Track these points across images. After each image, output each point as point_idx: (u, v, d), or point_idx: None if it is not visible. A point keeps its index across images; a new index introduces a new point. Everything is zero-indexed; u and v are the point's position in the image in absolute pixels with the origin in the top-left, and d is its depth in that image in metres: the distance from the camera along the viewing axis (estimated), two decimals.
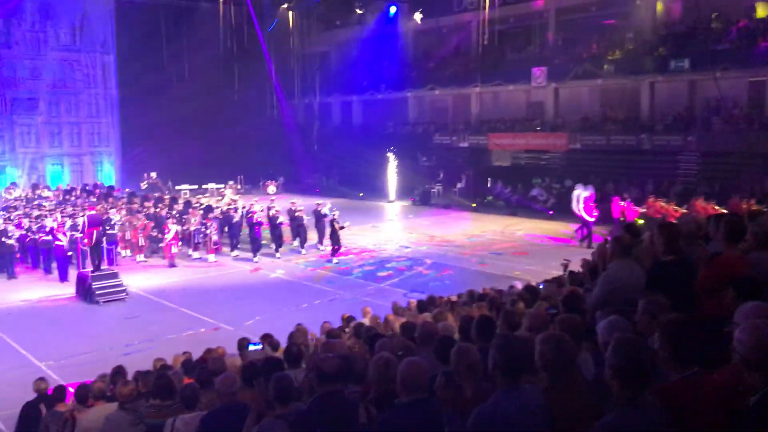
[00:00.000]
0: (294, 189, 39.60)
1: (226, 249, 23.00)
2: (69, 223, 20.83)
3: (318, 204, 23.29)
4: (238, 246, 22.66)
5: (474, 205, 32.99)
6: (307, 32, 45.92)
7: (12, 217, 21.83)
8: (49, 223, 20.50)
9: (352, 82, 42.76)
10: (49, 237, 19.87)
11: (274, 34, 44.36)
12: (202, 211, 23.89)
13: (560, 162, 32.78)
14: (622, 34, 32.23)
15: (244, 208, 23.86)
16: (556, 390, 3.70)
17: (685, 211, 20.12)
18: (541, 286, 11.14)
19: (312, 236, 23.15)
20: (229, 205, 24.91)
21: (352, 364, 5.76)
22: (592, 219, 22.70)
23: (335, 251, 21.33)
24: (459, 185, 36.09)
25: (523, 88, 35.42)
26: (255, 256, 21.64)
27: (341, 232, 21.29)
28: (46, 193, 31.42)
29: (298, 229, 22.81)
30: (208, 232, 22.04)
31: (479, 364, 4.10)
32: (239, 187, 41.70)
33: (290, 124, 44.42)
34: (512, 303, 7.96)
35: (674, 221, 9.49)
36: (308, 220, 23.12)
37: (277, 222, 22.24)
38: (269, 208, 22.53)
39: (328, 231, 21.84)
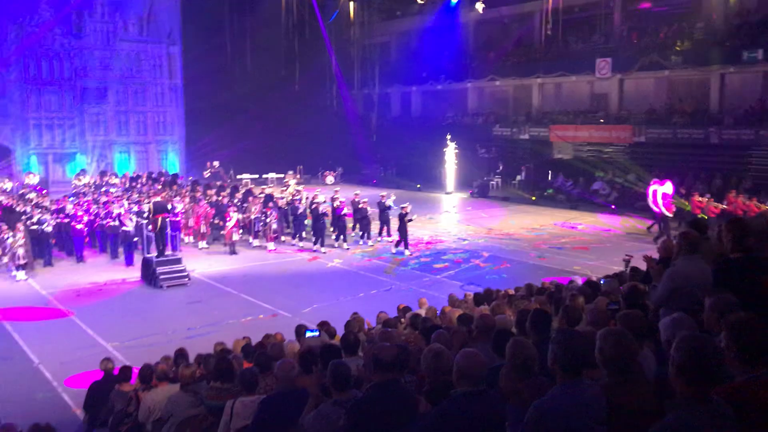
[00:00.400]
0: (352, 179, 39.84)
1: (288, 238, 23.26)
2: (135, 209, 21.49)
3: (382, 195, 23.28)
4: (302, 236, 22.81)
5: (534, 198, 32.57)
6: (368, 23, 45.99)
7: (81, 203, 22.57)
8: (116, 209, 21.15)
9: (412, 73, 42.67)
10: (116, 222, 20.53)
11: (334, 25, 44.60)
12: (262, 200, 24.25)
13: (624, 155, 32.02)
14: (692, 23, 31.19)
15: (307, 198, 24.13)
16: (616, 386, 3.64)
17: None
18: (601, 282, 10.91)
19: (373, 227, 23.18)
20: (294, 195, 25.13)
21: (408, 354, 5.78)
22: (671, 215, 22.03)
23: (401, 243, 21.09)
24: (519, 177, 35.67)
25: (587, 79, 34.73)
26: (319, 245, 21.65)
27: (409, 225, 21.18)
28: (113, 180, 32.40)
29: (362, 221, 22.84)
30: (268, 220, 22.36)
31: (535, 358, 4.06)
32: (298, 177, 42.24)
33: (349, 115, 44.65)
34: (572, 298, 7.82)
35: (743, 217, 9.16)
36: (371, 211, 23.14)
37: (342, 213, 22.26)
38: (333, 199, 22.59)
39: (395, 223, 21.74)
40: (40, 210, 20.85)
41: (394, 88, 45.12)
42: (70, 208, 21.48)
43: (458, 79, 40.43)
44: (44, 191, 27.70)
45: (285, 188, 27.90)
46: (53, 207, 21.92)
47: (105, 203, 22.22)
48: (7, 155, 37.53)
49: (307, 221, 23.10)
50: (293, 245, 22.53)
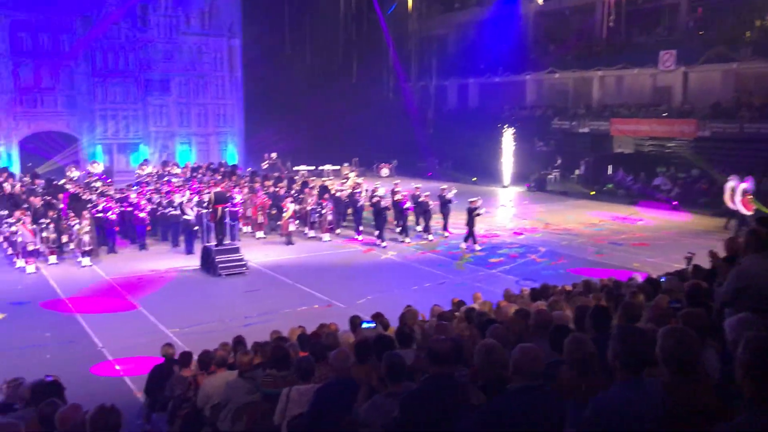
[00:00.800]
0: (407, 172, 39.84)
1: (349, 231, 23.29)
2: (196, 199, 21.97)
3: (443, 189, 23.12)
4: (361, 229, 22.81)
5: (593, 192, 31.96)
6: (426, 15, 45.83)
7: (144, 192, 23.19)
8: (177, 198, 21.67)
9: (470, 65, 42.33)
10: (177, 212, 21.03)
11: (392, 17, 44.59)
12: (318, 192, 24.47)
13: (687, 150, 31.08)
14: (761, 14, 29.98)
15: (367, 191, 24.18)
16: (677, 386, 3.55)
17: None
18: (662, 279, 10.64)
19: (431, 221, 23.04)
20: (354, 188, 25.15)
21: (462, 347, 5.75)
22: (750, 213, 21.26)
23: (471, 237, 20.80)
24: (578, 172, 35.03)
25: (650, 72, 33.80)
26: (380, 239, 21.51)
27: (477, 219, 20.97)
28: (175, 170, 33.16)
29: (424, 215, 22.63)
30: (323, 211, 22.56)
31: (594, 354, 3.99)
32: (353, 169, 42.46)
33: (406, 108, 44.58)
34: (632, 295, 7.65)
35: None
36: (432, 204, 22.95)
37: (405, 206, 22.12)
38: (394, 192, 22.48)
39: (455, 217, 21.43)
40: (104, 198, 21.50)
41: (451, 81, 44.85)
42: (133, 197, 22.09)
43: (517, 72, 39.91)
44: (109, 180, 28.55)
45: (344, 181, 27.88)
46: (117, 196, 22.57)
47: (167, 193, 22.76)
48: (74, 145, 38.87)
49: (366, 213, 23.20)
50: (354, 238, 22.49)
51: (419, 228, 23.01)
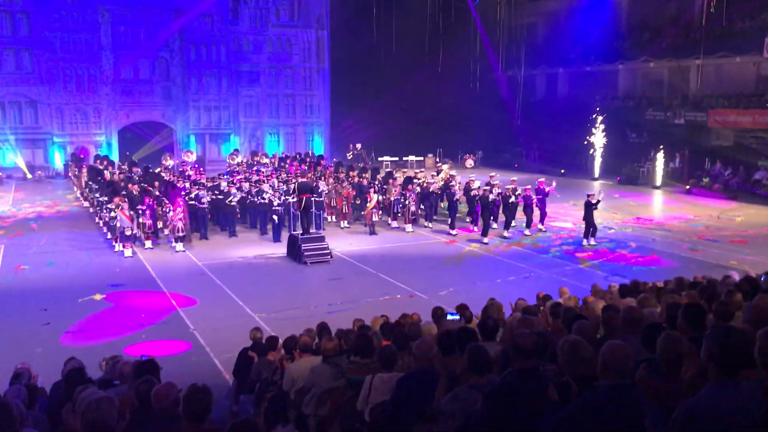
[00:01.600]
0: (492, 164, 39.37)
1: (441, 225, 22.95)
2: (284, 188, 22.42)
3: (540, 181, 22.48)
4: (455, 224, 22.37)
5: (688, 187, 30.68)
6: (515, 3, 44.97)
7: (234, 181, 23.82)
8: (266, 188, 22.18)
9: (559, 54, 41.34)
10: (266, 200, 21.55)
11: (480, 6, 44.02)
12: (402, 182, 24.48)
13: None
14: None
15: (460, 183, 23.86)
16: None
17: None
18: (762, 279, 10.10)
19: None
20: (447, 180, 24.61)
21: (547, 342, 5.65)
22: None
23: (590, 232, 20.08)
24: (672, 165, 33.66)
25: (753, 60, 32.01)
26: (485, 236, 20.81)
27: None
28: (264, 160, 33.94)
29: (526, 209, 21.77)
30: (407, 202, 22.59)
31: (690, 354, 3.83)
32: (446, 161, 42.29)
33: (492, 98, 44.00)
34: (728, 294, 7.29)
35: None
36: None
37: (509, 201, 21.34)
38: (491, 185, 21.88)
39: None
40: (197, 186, 22.25)
41: (539, 70, 43.89)
42: (224, 185, 22.75)
43: (609, 61, 38.68)
44: (201, 169, 29.51)
45: (436, 173, 27.11)
46: (209, 184, 23.29)
47: (256, 182, 23.33)
48: (170, 135, 40.50)
49: (462, 206, 23.02)
50: (448, 233, 21.97)
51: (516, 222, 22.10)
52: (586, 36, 38.94)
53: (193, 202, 21.07)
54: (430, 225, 23.12)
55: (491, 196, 21.00)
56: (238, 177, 25.34)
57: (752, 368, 3.52)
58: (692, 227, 22.58)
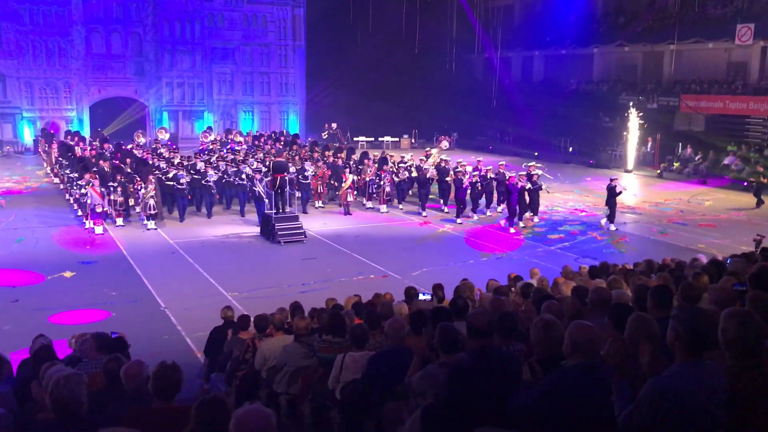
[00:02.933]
0: (467, 145, 39.51)
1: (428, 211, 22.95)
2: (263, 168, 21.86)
3: (530, 166, 22.04)
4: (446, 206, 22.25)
5: (659, 171, 31.05)
6: None
7: (212, 161, 23.38)
8: (246, 169, 21.71)
9: (535, 37, 41.41)
10: (244, 181, 21.24)
11: None
12: (377, 163, 24.46)
13: (762, 129, 29.79)
14: None
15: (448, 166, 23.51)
16: (739, 370, 3.45)
17: None
18: (728, 261, 10.30)
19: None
20: (440, 164, 23.97)
21: (515, 321, 5.71)
22: None
23: (611, 217, 20.00)
24: (644, 149, 34.00)
25: (725, 47, 32.37)
26: (459, 218, 21.01)
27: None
28: (238, 138, 33.62)
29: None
30: (381, 183, 22.59)
31: (657, 334, 3.90)
32: (413, 141, 42.28)
33: (468, 79, 43.98)
34: (695, 276, 7.43)
35: None
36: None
37: (521, 188, 20.55)
38: (479, 170, 21.88)
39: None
40: (175, 167, 21.75)
41: (515, 53, 43.95)
42: (201, 165, 22.37)
43: (584, 45, 38.83)
44: (174, 147, 29.14)
45: (426, 158, 26.12)
46: (186, 163, 22.78)
47: (233, 161, 22.93)
48: (142, 111, 39.94)
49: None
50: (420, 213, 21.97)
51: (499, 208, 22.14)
52: (562, 19, 39.04)
53: (171, 183, 20.63)
54: (425, 214, 22.33)
55: (465, 180, 21.08)
56: (215, 156, 24.99)
57: (716, 349, 3.60)
58: (662, 211, 22.90)
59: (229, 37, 40.68)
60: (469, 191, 21.62)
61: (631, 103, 33.39)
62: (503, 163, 23.87)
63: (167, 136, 34.96)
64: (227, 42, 40.73)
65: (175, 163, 22.55)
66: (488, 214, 22.07)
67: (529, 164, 21.88)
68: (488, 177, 21.80)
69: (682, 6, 33.70)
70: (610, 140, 35.31)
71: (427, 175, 23.04)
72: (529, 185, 20.39)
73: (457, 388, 4.10)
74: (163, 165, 22.42)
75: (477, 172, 21.89)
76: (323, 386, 6.28)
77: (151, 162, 23.39)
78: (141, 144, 29.99)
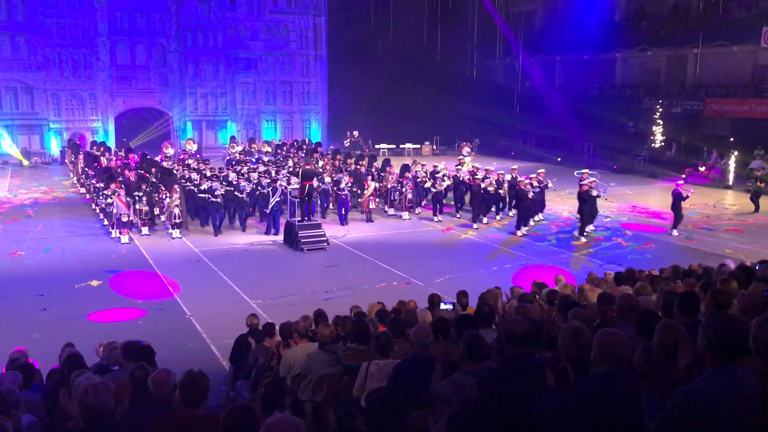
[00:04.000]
0: (489, 151, 39.36)
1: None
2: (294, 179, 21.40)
3: (539, 173, 22.05)
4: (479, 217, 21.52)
5: (684, 176, 30.66)
6: None
7: (243, 172, 22.66)
8: (283, 180, 21.05)
9: (557, 42, 41.17)
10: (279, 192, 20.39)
11: None
12: (399, 170, 24.38)
13: None
14: None
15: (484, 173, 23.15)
16: None
17: None
18: (757, 267, 10.13)
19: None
20: (473, 173, 22.82)
21: (542, 329, 5.67)
22: None
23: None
24: (668, 153, 33.64)
25: (750, 50, 31.96)
26: (474, 222, 20.92)
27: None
28: (266, 148, 33.34)
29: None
30: (404, 190, 22.56)
31: (690, 340, 3.85)
32: (434, 147, 42.24)
33: (489, 85, 43.87)
34: (723, 282, 7.32)
35: None
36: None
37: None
38: (514, 179, 21.58)
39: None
40: (208, 178, 21.25)
41: (537, 58, 43.75)
42: (233, 177, 21.98)
43: (606, 50, 38.58)
44: (204, 158, 28.66)
45: (459, 165, 25.11)
46: (219, 175, 22.29)
47: (265, 172, 22.30)
48: (167, 122, 40.37)
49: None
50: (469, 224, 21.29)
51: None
52: (584, 24, 38.80)
53: (204, 195, 20.22)
54: (460, 215, 22.55)
55: (483, 185, 21.02)
56: (245, 167, 24.31)
57: (747, 356, 3.54)
58: (688, 216, 22.58)
59: (251, 47, 41.03)
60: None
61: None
62: (515, 167, 23.66)
63: (195, 147, 35.13)
64: (250, 52, 41.08)
65: (208, 174, 21.98)
66: (498, 218, 22.07)
67: (582, 172, 21.03)
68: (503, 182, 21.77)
69: (705, 9, 33.36)
70: (634, 145, 34.96)
71: (463, 179, 22.51)
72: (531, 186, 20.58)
73: (488, 395, 4.08)
74: (194, 176, 22.05)
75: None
76: (348, 394, 6.27)
77: (181, 173, 23.27)
78: (170, 155, 30.08)
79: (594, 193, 19.52)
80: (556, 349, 5.63)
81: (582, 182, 19.61)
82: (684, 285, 8.30)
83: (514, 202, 21.81)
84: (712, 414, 3.20)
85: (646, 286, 7.75)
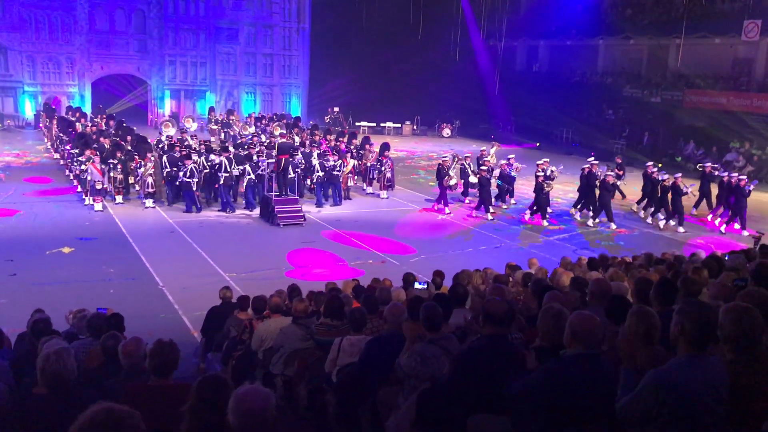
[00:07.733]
0: (469, 134, 39.38)
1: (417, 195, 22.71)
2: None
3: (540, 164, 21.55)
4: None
5: (660, 165, 30.92)
6: None
7: (261, 151, 20.68)
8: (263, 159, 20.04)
9: (540, 26, 41.11)
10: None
11: None
12: (378, 148, 24.22)
13: (766, 127, 29.67)
14: None
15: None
16: (739, 365, 3.46)
17: None
18: (726, 257, 10.30)
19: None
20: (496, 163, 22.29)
21: (515, 310, 5.71)
22: None
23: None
24: (641, 144, 33.85)
25: (731, 42, 32.17)
26: (488, 212, 19.81)
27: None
28: (249, 129, 31.50)
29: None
30: (383, 168, 22.51)
31: (658, 327, 3.90)
32: (415, 127, 42.16)
33: (472, 68, 43.75)
34: (695, 271, 7.43)
35: None
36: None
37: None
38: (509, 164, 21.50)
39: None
40: (211, 154, 20.40)
41: (520, 42, 43.68)
42: (255, 156, 20.60)
43: (589, 36, 38.58)
44: (195, 137, 26.43)
45: (483, 156, 22.63)
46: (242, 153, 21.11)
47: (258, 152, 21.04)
48: (144, 89, 39.75)
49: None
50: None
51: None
52: (568, 9, 38.76)
53: (206, 171, 19.64)
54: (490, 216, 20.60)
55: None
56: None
57: (717, 344, 3.60)
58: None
59: (233, 17, 40.39)
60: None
61: None
62: (513, 156, 23.59)
63: (195, 125, 33.92)
64: (232, 22, 40.44)
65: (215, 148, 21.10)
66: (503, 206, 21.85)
67: (543, 161, 20.95)
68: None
69: (689, 0, 33.49)
70: (612, 133, 35.18)
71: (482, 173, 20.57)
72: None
73: (462, 373, 4.11)
74: (214, 158, 20.15)
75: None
76: (320, 369, 6.29)
77: (187, 152, 21.03)
78: (170, 135, 26.75)
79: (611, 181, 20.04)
80: (527, 330, 5.70)
81: (538, 173, 19.80)
82: (655, 272, 8.41)
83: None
84: (679, 399, 3.25)
85: (619, 273, 7.84)
